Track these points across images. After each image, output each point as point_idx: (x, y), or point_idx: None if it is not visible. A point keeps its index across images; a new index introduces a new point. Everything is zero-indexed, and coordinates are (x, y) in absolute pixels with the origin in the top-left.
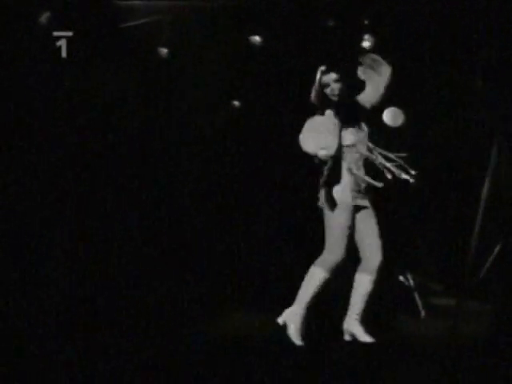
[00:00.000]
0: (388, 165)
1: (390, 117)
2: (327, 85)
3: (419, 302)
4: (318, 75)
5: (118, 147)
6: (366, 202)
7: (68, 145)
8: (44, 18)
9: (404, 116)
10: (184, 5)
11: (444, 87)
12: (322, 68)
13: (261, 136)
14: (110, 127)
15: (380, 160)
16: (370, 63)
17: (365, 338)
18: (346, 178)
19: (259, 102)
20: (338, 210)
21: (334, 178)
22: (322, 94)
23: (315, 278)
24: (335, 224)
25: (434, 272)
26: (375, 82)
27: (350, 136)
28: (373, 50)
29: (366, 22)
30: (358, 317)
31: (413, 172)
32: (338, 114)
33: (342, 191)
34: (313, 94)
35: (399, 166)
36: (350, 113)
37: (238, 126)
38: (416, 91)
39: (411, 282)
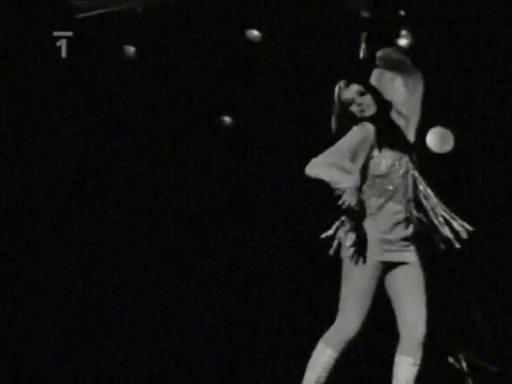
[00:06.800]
0: (442, 213)
1: (436, 140)
2: (351, 102)
3: None
4: (337, 92)
5: (118, 148)
6: (404, 257)
7: (68, 145)
8: (44, 17)
9: (454, 138)
10: None
11: (499, 98)
12: (341, 84)
13: (258, 156)
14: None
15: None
16: (392, 63)
17: None
18: (370, 221)
19: (257, 112)
20: (358, 267)
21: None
22: (345, 115)
23: (323, 358)
24: (353, 285)
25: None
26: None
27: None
28: (411, 49)
29: (402, 13)
30: None
31: (469, 229)
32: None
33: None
34: (333, 120)
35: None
36: (386, 131)
37: (230, 144)
38: (466, 104)
39: (464, 364)
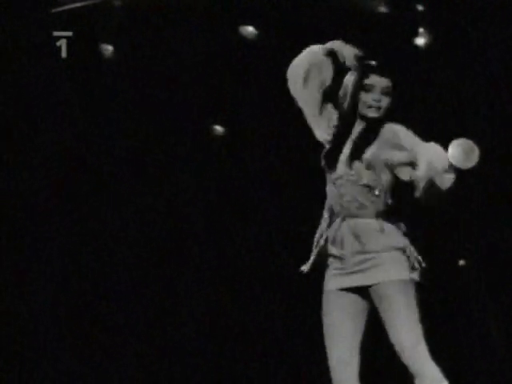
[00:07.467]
0: None
1: (460, 154)
2: (370, 88)
3: None
4: (360, 75)
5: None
6: (365, 279)
7: (67, 145)
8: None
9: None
10: None
11: None
12: (372, 62)
13: (252, 165)
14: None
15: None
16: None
17: None
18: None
19: (251, 119)
20: (323, 298)
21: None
22: (355, 100)
23: None
24: (324, 319)
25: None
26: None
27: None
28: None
29: (420, 9)
30: None
31: None
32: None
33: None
34: (343, 100)
35: None
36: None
37: (221, 155)
38: (490, 110)
39: None
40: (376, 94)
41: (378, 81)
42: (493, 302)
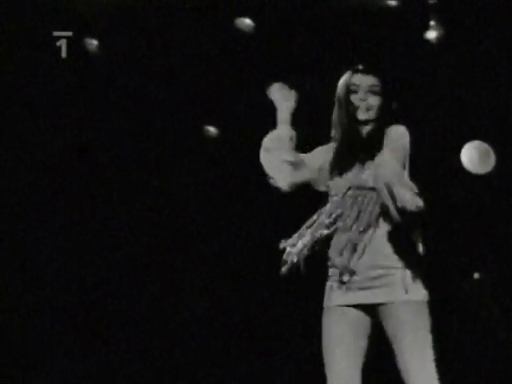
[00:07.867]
0: None
1: (474, 158)
2: (355, 90)
3: None
4: (347, 76)
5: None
6: (376, 297)
7: (67, 144)
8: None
9: (495, 156)
10: None
11: None
12: (359, 67)
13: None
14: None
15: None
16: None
17: None
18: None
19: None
20: (325, 314)
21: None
22: (348, 102)
23: None
24: (322, 336)
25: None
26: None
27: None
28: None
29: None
30: None
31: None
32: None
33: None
34: (336, 108)
35: None
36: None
37: (215, 164)
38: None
39: None
40: (361, 94)
41: (362, 79)
42: (507, 315)
